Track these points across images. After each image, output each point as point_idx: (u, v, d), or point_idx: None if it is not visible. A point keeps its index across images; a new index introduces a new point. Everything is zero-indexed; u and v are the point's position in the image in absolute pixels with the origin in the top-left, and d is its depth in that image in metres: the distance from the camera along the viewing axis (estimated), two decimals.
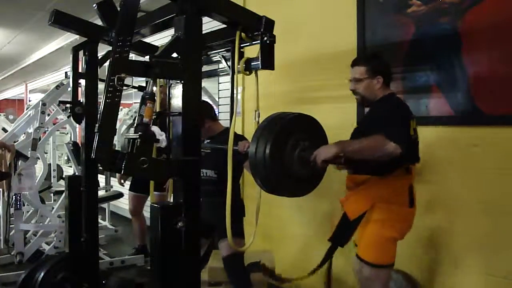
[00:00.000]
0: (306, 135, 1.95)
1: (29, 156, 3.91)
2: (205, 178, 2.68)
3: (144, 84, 2.99)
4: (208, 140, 2.78)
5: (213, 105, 3.77)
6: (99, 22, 2.30)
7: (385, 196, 2.02)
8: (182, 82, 1.61)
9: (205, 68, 3.71)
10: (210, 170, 2.71)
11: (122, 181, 4.32)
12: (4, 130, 5.20)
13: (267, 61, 1.90)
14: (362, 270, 2.08)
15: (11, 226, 3.88)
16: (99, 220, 4.78)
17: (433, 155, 2.47)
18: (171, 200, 1.98)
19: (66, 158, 8.65)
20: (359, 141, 1.91)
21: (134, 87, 2.89)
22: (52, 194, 4.85)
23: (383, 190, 2.00)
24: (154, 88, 1.72)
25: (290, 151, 1.88)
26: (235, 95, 2.13)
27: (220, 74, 4.23)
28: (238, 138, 2.38)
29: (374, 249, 2.05)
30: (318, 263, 2.26)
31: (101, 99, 1.56)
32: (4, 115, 11.11)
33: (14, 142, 4.09)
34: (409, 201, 2.08)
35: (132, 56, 1.95)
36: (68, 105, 2.46)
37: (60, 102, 4.24)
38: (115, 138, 4.37)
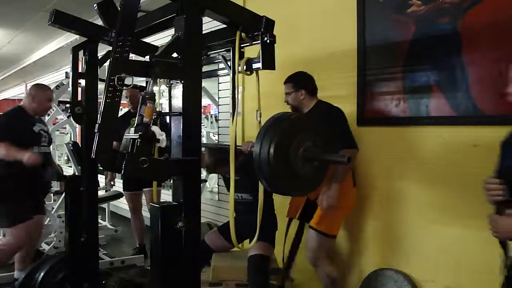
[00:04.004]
0: (310, 134, 1.95)
1: None
2: (241, 201, 2.73)
3: (144, 84, 2.99)
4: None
5: (213, 105, 3.77)
6: (99, 22, 2.30)
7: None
8: (182, 82, 1.61)
9: (205, 68, 3.70)
10: (245, 194, 2.75)
11: (112, 182, 4.49)
12: None
13: (268, 61, 1.90)
14: (313, 239, 2.57)
15: None
16: (99, 220, 4.79)
17: (433, 155, 2.47)
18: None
19: (66, 158, 8.65)
20: (340, 169, 2.46)
21: (134, 87, 2.90)
22: (52, 194, 4.84)
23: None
24: (155, 88, 1.72)
25: (294, 151, 1.88)
26: (235, 95, 2.12)
27: (220, 74, 4.22)
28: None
29: (327, 222, 2.56)
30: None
31: (101, 99, 1.56)
32: None
33: None
34: (353, 182, 2.63)
35: (132, 56, 1.94)
36: (68, 105, 2.47)
37: (60, 102, 4.25)
38: None
